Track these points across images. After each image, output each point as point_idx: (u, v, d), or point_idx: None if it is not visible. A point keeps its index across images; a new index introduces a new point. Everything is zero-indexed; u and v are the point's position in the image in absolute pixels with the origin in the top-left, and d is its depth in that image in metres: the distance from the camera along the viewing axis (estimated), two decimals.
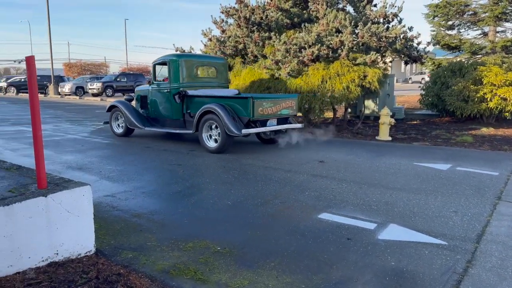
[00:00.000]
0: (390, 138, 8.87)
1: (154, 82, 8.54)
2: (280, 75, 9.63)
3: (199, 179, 5.37)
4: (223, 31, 11.32)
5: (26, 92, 30.65)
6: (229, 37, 10.82)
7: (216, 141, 7.26)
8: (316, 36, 9.14)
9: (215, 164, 6.36)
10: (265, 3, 10.50)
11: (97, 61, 70.75)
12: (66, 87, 29.66)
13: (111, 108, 9.31)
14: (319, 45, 9.05)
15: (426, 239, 3.42)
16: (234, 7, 10.71)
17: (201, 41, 11.84)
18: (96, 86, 28.33)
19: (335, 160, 6.67)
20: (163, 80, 8.45)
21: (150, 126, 8.52)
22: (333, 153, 7.22)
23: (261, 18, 10.19)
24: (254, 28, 10.30)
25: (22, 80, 33.39)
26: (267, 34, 10.16)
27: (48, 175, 3.24)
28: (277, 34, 9.87)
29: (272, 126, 7.47)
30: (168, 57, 8.31)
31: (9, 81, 34.26)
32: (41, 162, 2.91)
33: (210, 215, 3.99)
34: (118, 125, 9.32)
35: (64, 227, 2.85)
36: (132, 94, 9.85)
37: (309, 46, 9.19)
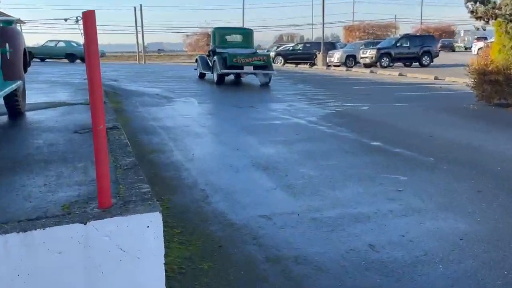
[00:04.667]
0: None
1: (209, 44, 18.39)
2: None
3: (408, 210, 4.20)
4: None
5: (294, 63, 34.18)
6: None
7: (214, 77, 16.56)
8: None
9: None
10: None
11: (383, 21, 72.11)
12: (335, 57, 30.65)
13: (196, 60, 19.42)
14: None
15: None
16: None
17: None
18: (369, 54, 28.17)
19: None
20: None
21: (208, 71, 17.53)
22: None
23: None
24: None
25: (290, 48, 37.38)
26: None
27: (132, 186, 2.95)
28: None
29: (247, 71, 16.09)
30: (211, 29, 19.02)
31: (278, 49, 39.03)
32: (103, 171, 2.57)
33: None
34: (198, 71, 19.07)
35: (114, 272, 2.45)
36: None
37: None
